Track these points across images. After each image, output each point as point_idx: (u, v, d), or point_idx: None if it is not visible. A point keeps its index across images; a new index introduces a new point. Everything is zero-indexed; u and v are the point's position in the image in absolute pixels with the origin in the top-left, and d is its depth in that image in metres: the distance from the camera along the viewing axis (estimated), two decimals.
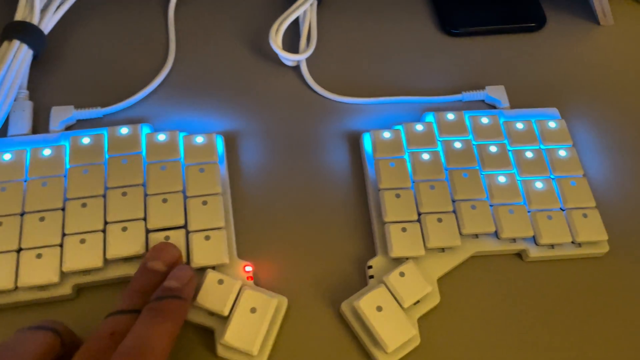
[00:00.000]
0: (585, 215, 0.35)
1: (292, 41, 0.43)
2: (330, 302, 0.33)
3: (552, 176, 0.36)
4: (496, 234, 0.34)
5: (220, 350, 0.30)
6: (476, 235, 0.34)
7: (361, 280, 0.34)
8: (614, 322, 0.33)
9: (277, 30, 0.41)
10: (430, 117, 0.39)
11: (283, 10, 0.43)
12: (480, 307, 0.33)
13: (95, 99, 0.39)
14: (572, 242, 0.35)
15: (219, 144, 0.37)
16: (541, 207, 0.35)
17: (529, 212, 0.35)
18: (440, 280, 0.33)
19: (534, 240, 0.34)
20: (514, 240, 0.34)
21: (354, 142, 0.39)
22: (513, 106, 0.41)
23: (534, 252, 0.34)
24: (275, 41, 0.40)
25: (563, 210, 0.35)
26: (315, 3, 0.44)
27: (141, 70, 0.41)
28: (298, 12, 0.42)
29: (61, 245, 0.32)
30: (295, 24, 0.44)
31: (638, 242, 0.36)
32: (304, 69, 0.42)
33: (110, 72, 0.41)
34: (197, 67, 0.42)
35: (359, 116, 0.40)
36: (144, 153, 0.35)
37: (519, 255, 0.35)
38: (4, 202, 0.33)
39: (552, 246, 0.34)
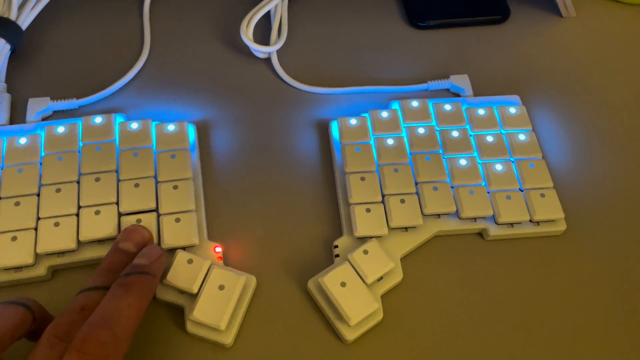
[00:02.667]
0: (542, 195, 0.36)
1: (264, 34, 0.45)
2: (297, 281, 0.34)
3: (511, 159, 0.38)
4: (457, 214, 0.36)
5: (190, 326, 0.31)
6: (438, 216, 0.36)
7: (328, 260, 0.35)
8: (572, 298, 0.34)
9: (249, 23, 0.42)
10: (395, 105, 0.40)
11: (254, 5, 0.44)
12: (442, 284, 0.35)
13: (71, 91, 0.40)
14: (531, 221, 0.36)
15: (191, 132, 0.38)
16: (500, 187, 0.36)
17: (488, 192, 0.36)
18: (404, 259, 0.35)
19: (494, 219, 0.36)
20: (474, 219, 0.36)
21: (323, 130, 0.40)
22: (477, 94, 0.42)
23: (493, 231, 0.36)
24: (246, 34, 0.42)
25: (522, 190, 0.37)
26: None
27: (117, 63, 0.42)
28: (269, 6, 0.44)
29: (36, 229, 0.33)
30: (268, 18, 0.46)
31: (594, 220, 0.37)
32: (275, 61, 0.43)
33: (87, 66, 0.42)
34: (171, 60, 0.43)
35: (328, 106, 0.42)
36: (117, 141, 0.36)
37: (480, 234, 0.36)
38: None
39: (511, 225, 0.36)
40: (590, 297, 0.34)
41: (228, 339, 0.31)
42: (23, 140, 0.36)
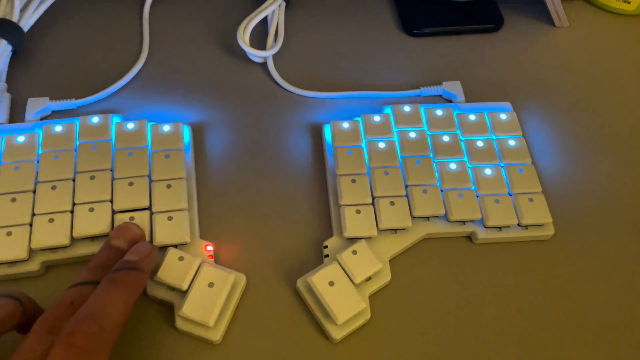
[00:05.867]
0: (531, 200, 0.37)
1: (260, 39, 0.46)
2: (287, 280, 0.35)
3: (501, 164, 0.38)
4: (446, 217, 0.36)
5: (179, 323, 0.32)
6: (427, 218, 0.36)
7: (317, 260, 0.35)
8: (559, 301, 0.35)
9: (245, 28, 0.43)
10: (388, 110, 0.41)
11: (252, 11, 0.45)
12: (430, 286, 0.35)
13: (70, 92, 0.41)
14: (519, 225, 0.36)
15: (186, 133, 0.39)
16: (489, 192, 0.37)
17: (477, 196, 0.37)
18: (393, 261, 0.35)
19: (482, 222, 0.36)
20: (463, 223, 0.36)
21: (316, 133, 0.41)
22: (469, 101, 0.43)
23: (482, 234, 0.36)
24: (243, 38, 0.43)
25: (510, 195, 0.37)
26: (284, 5, 0.47)
27: (115, 65, 0.43)
28: (266, 12, 0.45)
29: (31, 225, 0.33)
30: (264, 23, 0.47)
31: (582, 226, 0.38)
32: (271, 65, 0.44)
33: (86, 67, 0.43)
34: (168, 63, 0.44)
35: (322, 110, 0.42)
36: (113, 141, 0.37)
37: (469, 237, 0.37)
38: None
39: (499, 228, 0.36)
40: (577, 301, 0.35)
41: (216, 335, 0.31)
42: (21, 139, 0.36)
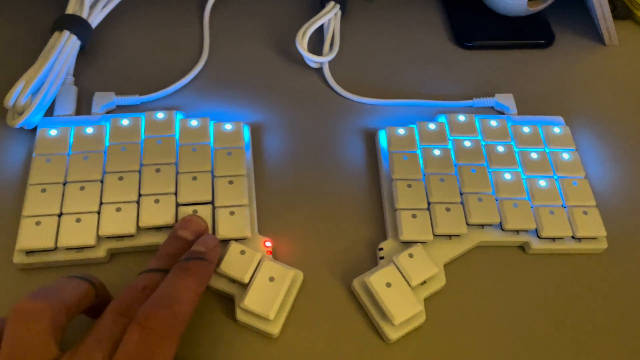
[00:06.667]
0: (585, 213, 0.37)
1: (316, 46, 0.47)
2: (342, 279, 0.35)
3: (555, 176, 0.39)
4: (501, 226, 0.37)
5: (240, 314, 0.32)
6: (482, 226, 0.37)
7: (371, 262, 0.36)
8: (610, 316, 0.35)
9: (304, 34, 0.44)
10: (442, 118, 0.41)
11: (309, 18, 0.46)
12: (482, 294, 0.35)
13: (133, 88, 0.43)
14: (573, 237, 0.37)
15: (246, 132, 0.40)
16: (544, 202, 0.37)
17: (532, 207, 0.37)
18: (447, 266, 0.36)
19: (537, 233, 0.37)
20: (517, 232, 0.37)
21: (370, 138, 0.42)
22: (520, 113, 0.43)
23: (535, 245, 0.36)
24: (302, 44, 0.44)
25: (564, 207, 0.37)
26: (340, 13, 0.48)
27: (177, 64, 0.45)
28: (323, 20, 0.46)
29: (99, 213, 0.35)
30: (320, 31, 0.48)
31: (635, 241, 0.38)
32: (326, 71, 0.45)
33: (149, 64, 0.44)
34: (228, 64, 0.45)
35: (375, 116, 0.43)
36: (177, 136, 0.38)
37: (522, 247, 0.37)
38: (49, 172, 0.36)
39: (553, 240, 0.37)
40: (628, 316, 0.35)
41: (275, 329, 0.32)
42: (90, 130, 0.38)
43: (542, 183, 0.38)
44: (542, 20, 0.50)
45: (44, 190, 0.35)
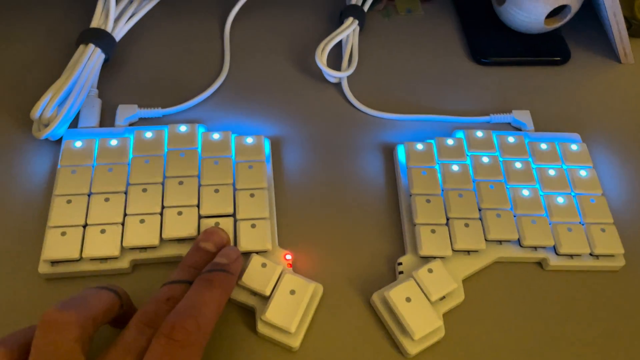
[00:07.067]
0: (603, 230, 0.37)
1: (334, 61, 0.47)
2: (361, 293, 0.35)
3: (572, 193, 0.39)
4: (519, 242, 0.37)
5: (261, 327, 0.33)
6: (500, 242, 0.37)
7: (390, 276, 0.36)
8: (627, 334, 0.35)
9: (323, 49, 0.45)
10: (460, 134, 0.42)
11: (328, 33, 0.47)
12: (501, 309, 0.36)
13: (156, 100, 0.43)
14: (590, 254, 0.37)
15: (266, 146, 0.40)
16: (562, 219, 0.37)
17: (550, 223, 0.37)
18: (465, 282, 0.36)
19: (554, 250, 0.37)
20: (535, 248, 0.37)
21: (388, 153, 0.42)
22: (537, 130, 0.44)
23: (553, 261, 0.37)
24: (321, 59, 0.44)
25: (582, 224, 0.38)
26: (358, 29, 0.48)
27: (198, 77, 0.45)
28: (342, 36, 0.47)
29: (123, 224, 0.35)
30: (339, 46, 0.48)
31: None
32: (345, 86, 0.45)
33: (172, 77, 0.45)
34: (248, 77, 0.46)
35: (393, 131, 0.44)
36: (199, 149, 0.39)
37: (540, 264, 0.37)
38: (73, 183, 0.36)
39: (571, 256, 0.37)
40: None
41: (296, 342, 0.32)
42: (114, 142, 0.38)
43: (560, 200, 0.38)
44: (558, 38, 0.50)
45: (69, 201, 0.35)
